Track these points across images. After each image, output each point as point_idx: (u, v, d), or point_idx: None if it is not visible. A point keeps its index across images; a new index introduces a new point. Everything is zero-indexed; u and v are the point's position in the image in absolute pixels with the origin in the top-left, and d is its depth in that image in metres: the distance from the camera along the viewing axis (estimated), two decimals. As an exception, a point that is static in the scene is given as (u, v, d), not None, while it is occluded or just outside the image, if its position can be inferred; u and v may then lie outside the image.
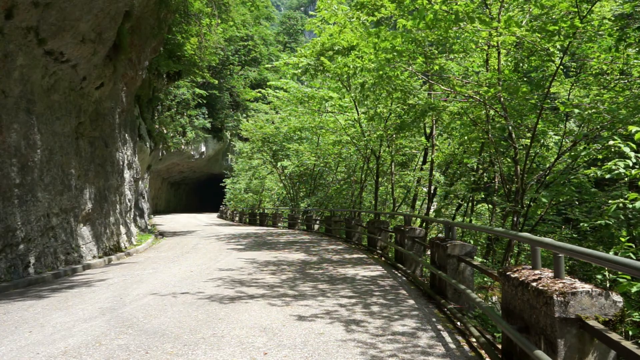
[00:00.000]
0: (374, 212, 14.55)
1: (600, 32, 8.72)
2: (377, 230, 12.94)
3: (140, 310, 6.16)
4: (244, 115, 37.89)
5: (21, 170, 8.69)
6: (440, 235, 12.43)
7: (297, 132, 25.55)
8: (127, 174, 15.71)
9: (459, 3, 9.24)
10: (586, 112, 8.43)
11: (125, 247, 13.99)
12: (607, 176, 6.10)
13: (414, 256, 9.13)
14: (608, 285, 6.19)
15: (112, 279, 8.90)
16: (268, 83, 25.02)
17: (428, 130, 16.98)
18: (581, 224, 7.61)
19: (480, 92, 10.08)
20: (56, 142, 9.92)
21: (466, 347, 4.76)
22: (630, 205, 5.76)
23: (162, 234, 20.95)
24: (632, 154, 5.97)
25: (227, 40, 37.87)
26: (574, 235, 11.64)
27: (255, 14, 41.28)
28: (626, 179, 6.28)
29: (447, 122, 14.31)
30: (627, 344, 2.81)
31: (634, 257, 5.71)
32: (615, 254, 5.75)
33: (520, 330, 3.79)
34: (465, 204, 16.44)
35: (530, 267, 4.15)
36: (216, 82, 33.57)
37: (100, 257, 11.62)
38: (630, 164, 5.97)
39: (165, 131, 29.61)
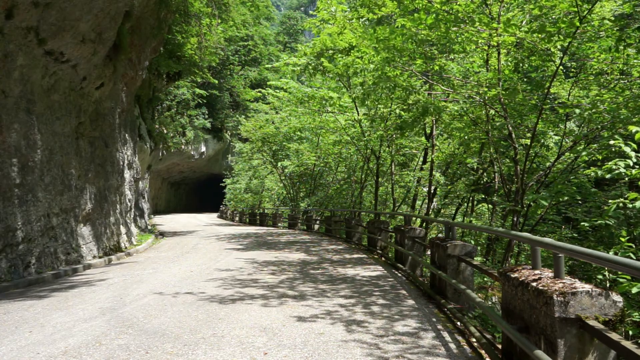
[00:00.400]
0: (374, 212, 14.56)
1: (600, 32, 8.71)
2: (377, 230, 12.94)
3: (140, 310, 6.17)
4: (243, 115, 37.90)
5: (21, 170, 8.69)
6: (440, 235, 12.43)
7: (297, 132, 25.55)
8: (127, 174, 15.72)
9: (459, 3, 9.24)
10: (586, 112, 8.43)
11: (126, 247, 13.99)
12: (608, 176, 6.10)
13: (414, 256, 9.13)
14: (608, 285, 6.20)
15: (112, 279, 8.90)
16: (268, 83, 25.03)
17: (428, 130, 16.98)
18: (581, 224, 7.61)
19: (480, 92, 10.08)
20: (56, 142, 9.92)
21: (466, 347, 4.77)
22: (630, 205, 5.76)
23: (162, 234, 20.95)
24: (633, 154, 5.97)
25: (227, 40, 37.87)
26: (574, 235, 11.64)
27: (255, 14, 41.30)
28: (626, 178, 6.28)
29: (447, 122, 14.31)
30: (627, 344, 2.81)
31: (634, 257, 5.71)
32: (615, 254, 5.75)
33: (520, 330, 3.79)
34: (465, 204, 16.45)
35: (530, 267, 4.15)
36: (216, 82, 33.58)
37: (100, 257, 11.62)
38: (631, 164, 5.98)
39: (165, 131, 29.61)
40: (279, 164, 28.28)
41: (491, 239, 11.54)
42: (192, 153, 40.32)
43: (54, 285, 8.38)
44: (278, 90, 23.42)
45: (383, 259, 11.81)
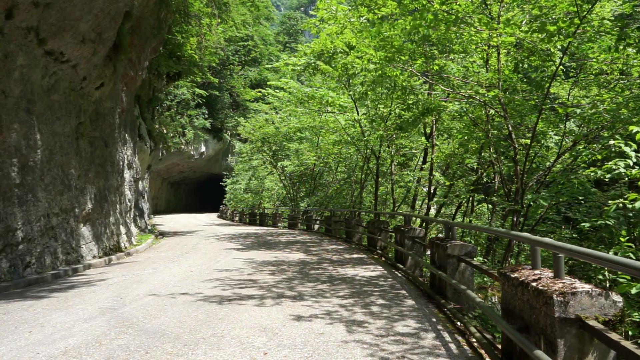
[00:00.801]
0: (374, 212, 14.56)
1: (600, 32, 8.71)
2: (377, 230, 12.94)
3: (140, 310, 6.16)
4: (242, 117, 37.92)
5: (21, 170, 8.69)
6: (440, 235, 12.43)
7: (297, 132, 25.55)
8: (127, 174, 15.72)
9: (459, 3, 9.24)
10: (586, 113, 8.43)
11: (125, 247, 13.99)
12: (608, 176, 6.10)
13: (414, 256, 9.13)
14: (608, 285, 6.20)
15: (112, 279, 8.90)
16: (268, 83, 25.01)
17: (428, 130, 16.98)
18: (581, 225, 7.61)
19: (480, 92, 10.08)
20: (56, 142, 9.92)
21: (466, 347, 4.77)
22: (630, 206, 5.76)
23: (162, 234, 20.95)
24: (633, 154, 5.97)
25: (227, 40, 37.87)
26: (574, 235, 11.64)
27: (255, 14, 41.24)
28: (626, 178, 6.28)
29: (447, 122, 14.32)
30: (627, 344, 2.81)
31: (634, 257, 5.71)
32: (615, 254, 5.75)
33: (520, 330, 3.79)
34: (465, 204, 16.44)
35: (530, 267, 4.15)
36: (217, 81, 33.58)
37: (100, 257, 11.62)
38: (631, 164, 5.98)
39: (165, 131, 29.62)
40: (279, 164, 28.28)
41: (491, 239, 11.54)
42: (192, 153, 40.32)
43: (53, 285, 8.38)
44: (278, 90, 23.42)
45: (383, 259, 11.81)
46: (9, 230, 8.32)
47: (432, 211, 17.96)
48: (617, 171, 5.97)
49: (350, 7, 13.84)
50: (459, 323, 5.61)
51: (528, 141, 10.15)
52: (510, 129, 9.98)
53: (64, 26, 8.95)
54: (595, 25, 8.57)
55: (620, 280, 5.71)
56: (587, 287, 3.32)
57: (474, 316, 6.02)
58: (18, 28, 8.18)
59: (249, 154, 32.10)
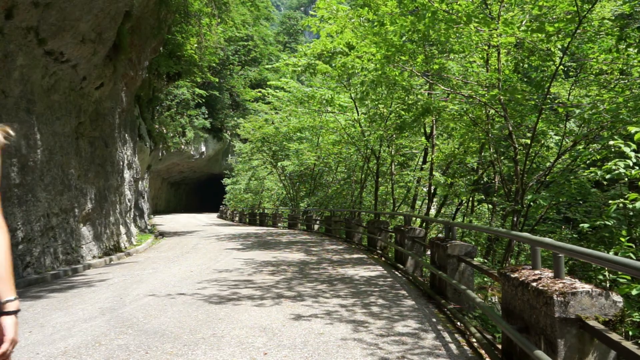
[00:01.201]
0: (374, 212, 14.55)
1: (600, 33, 8.71)
2: (377, 230, 12.94)
3: (140, 310, 6.16)
4: (241, 118, 37.90)
5: (21, 170, 8.69)
6: (440, 235, 12.43)
7: (297, 132, 25.56)
8: (127, 174, 15.71)
9: (459, 2, 9.24)
10: (586, 113, 8.43)
11: (125, 247, 13.99)
12: (607, 176, 6.09)
13: (414, 256, 9.13)
14: (608, 285, 6.19)
15: (112, 279, 8.90)
16: (268, 83, 25.01)
17: (428, 130, 16.98)
18: (581, 225, 7.61)
19: (480, 91, 10.07)
20: (56, 142, 9.92)
21: (466, 347, 4.76)
22: (630, 206, 5.75)
23: (162, 234, 20.94)
24: (632, 154, 5.96)
25: (227, 40, 37.87)
26: (574, 235, 11.63)
27: (255, 14, 41.28)
28: (626, 179, 6.28)
29: (447, 122, 14.30)
30: (627, 344, 2.80)
31: (634, 257, 5.71)
32: (615, 254, 5.75)
33: (520, 330, 3.78)
34: (466, 204, 16.43)
35: (530, 267, 4.14)
36: (217, 80, 33.58)
37: (100, 257, 11.61)
38: (631, 164, 5.97)
39: (165, 131, 29.62)
40: (279, 164, 28.27)
41: (491, 239, 11.54)
42: (192, 153, 40.31)
43: (53, 285, 8.37)
44: (278, 90, 23.41)
45: (383, 259, 11.81)
46: (8, 230, 8.31)
47: (432, 211, 17.96)
48: (617, 171, 5.96)
49: (350, 7, 13.85)
50: (459, 323, 5.61)
51: (528, 141, 10.15)
52: (511, 128, 9.98)
53: (64, 26, 8.95)
54: (596, 25, 8.57)
55: (621, 280, 5.71)
56: (588, 287, 3.31)
57: (474, 316, 6.02)
58: (18, 28, 8.18)
59: (249, 154, 32.10)
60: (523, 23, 10.00)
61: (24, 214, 8.74)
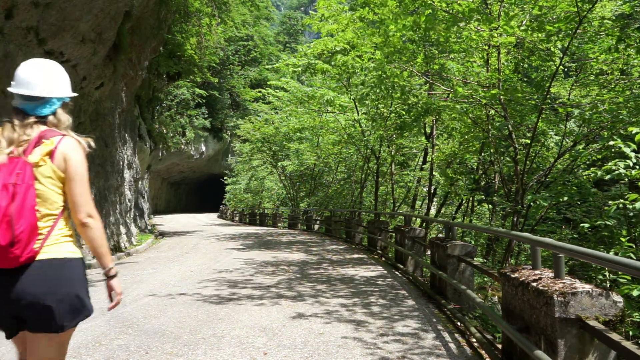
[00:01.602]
0: (374, 212, 14.55)
1: (600, 33, 8.71)
2: (377, 230, 12.93)
3: (140, 310, 6.16)
4: (242, 116, 37.90)
5: (21, 170, 8.68)
6: (440, 235, 12.43)
7: (297, 132, 25.57)
8: (127, 174, 15.72)
9: (459, 2, 9.24)
10: (586, 113, 8.43)
11: (125, 247, 13.98)
12: (607, 177, 6.10)
13: (414, 256, 9.13)
14: (608, 285, 6.19)
15: (112, 279, 8.88)
16: (268, 83, 25.01)
17: (428, 130, 16.98)
18: (581, 225, 7.61)
19: (480, 92, 10.07)
20: (56, 142, 9.90)
21: (466, 347, 4.76)
22: (631, 206, 5.75)
23: (162, 234, 20.94)
24: (633, 154, 5.97)
25: (227, 40, 37.87)
26: (574, 235, 11.62)
27: (255, 14, 41.29)
28: (626, 179, 6.28)
29: (447, 122, 14.30)
30: (628, 344, 2.80)
31: (634, 257, 5.71)
32: (616, 254, 5.75)
33: (521, 330, 3.78)
34: (466, 204, 16.43)
35: (530, 267, 4.14)
36: (217, 80, 33.59)
37: (100, 257, 11.60)
38: (631, 164, 5.97)
39: (165, 131, 29.62)
40: (279, 164, 28.26)
41: (491, 239, 11.53)
42: (192, 153, 40.31)
43: (53, 285, 8.36)
44: (278, 90, 23.40)
45: (383, 259, 11.81)
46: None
47: (432, 211, 17.96)
48: (617, 172, 5.96)
49: (350, 7, 13.86)
50: (459, 323, 5.61)
51: (528, 141, 10.15)
52: (511, 128, 9.97)
53: (64, 26, 8.95)
54: (596, 25, 8.57)
55: (621, 280, 5.72)
56: (588, 287, 3.31)
57: (474, 316, 6.02)
58: (18, 28, 8.17)
59: (249, 154, 32.10)
60: (523, 23, 10.00)
61: (24, 214, 8.73)
